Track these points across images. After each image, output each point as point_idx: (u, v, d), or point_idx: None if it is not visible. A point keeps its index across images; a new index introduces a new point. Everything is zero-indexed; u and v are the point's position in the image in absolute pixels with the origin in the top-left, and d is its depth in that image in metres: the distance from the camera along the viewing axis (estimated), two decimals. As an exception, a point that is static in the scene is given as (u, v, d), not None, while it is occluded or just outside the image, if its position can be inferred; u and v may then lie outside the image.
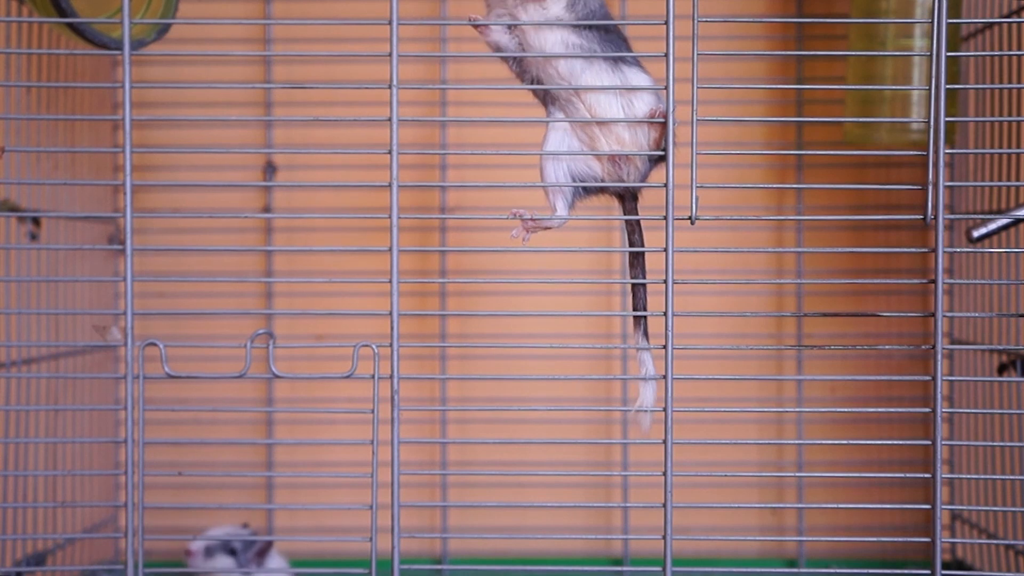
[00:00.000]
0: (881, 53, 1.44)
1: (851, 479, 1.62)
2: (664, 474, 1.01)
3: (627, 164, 1.11)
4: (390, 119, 1.00)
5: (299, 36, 1.60)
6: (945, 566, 1.28)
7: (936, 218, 1.00)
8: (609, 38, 1.12)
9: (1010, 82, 1.38)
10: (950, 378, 1.08)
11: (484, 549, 1.59)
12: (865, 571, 1.12)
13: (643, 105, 1.09)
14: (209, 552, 1.43)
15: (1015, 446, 1.33)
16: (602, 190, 1.14)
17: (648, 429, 1.08)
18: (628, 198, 1.15)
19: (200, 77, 1.58)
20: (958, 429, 1.53)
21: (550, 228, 1.13)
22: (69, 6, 1.13)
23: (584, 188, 1.12)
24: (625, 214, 1.14)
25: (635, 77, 1.10)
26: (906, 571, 1.04)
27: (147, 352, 1.01)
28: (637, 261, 1.14)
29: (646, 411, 1.09)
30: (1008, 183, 1.37)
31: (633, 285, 1.14)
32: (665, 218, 1.00)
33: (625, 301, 1.61)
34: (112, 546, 1.61)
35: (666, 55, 0.99)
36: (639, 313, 1.13)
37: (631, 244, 1.15)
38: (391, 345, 1.02)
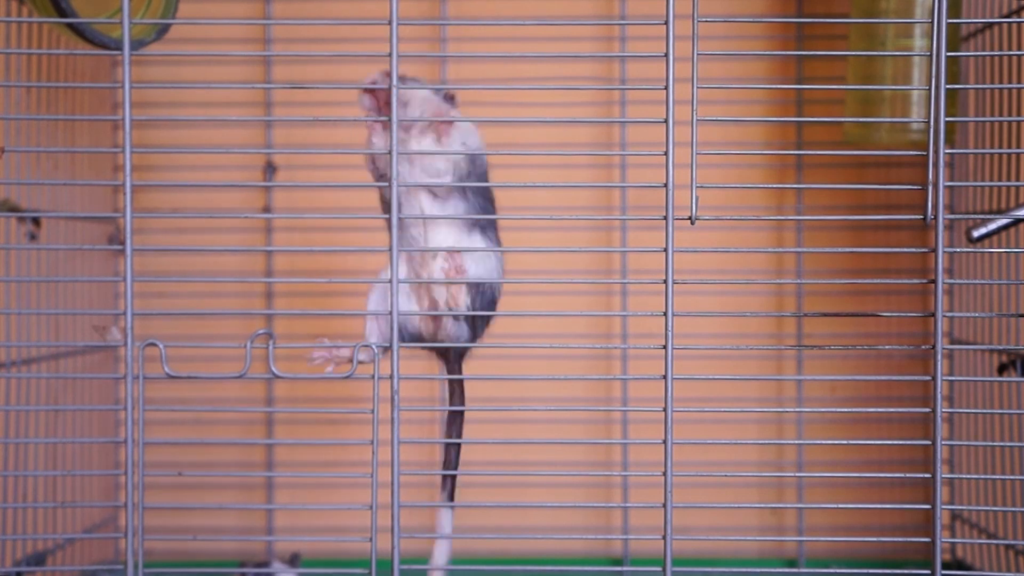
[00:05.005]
0: (881, 53, 1.44)
1: (851, 479, 1.62)
2: (664, 474, 1.01)
3: (441, 323, 1.16)
4: (390, 119, 1.00)
5: (299, 36, 1.60)
6: (945, 566, 1.28)
7: (936, 218, 1.00)
8: (474, 202, 1.16)
9: (1010, 82, 1.38)
10: (950, 378, 1.08)
11: (484, 549, 1.59)
12: (865, 571, 1.12)
13: (442, 263, 1.14)
14: None
15: (1015, 446, 1.33)
16: (416, 339, 1.16)
17: None
18: (451, 357, 1.19)
19: (200, 77, 1.58)
20: (958, 429, 1.53)
21: (348, 364, 1.12)
22: (69, 6, 1.13)
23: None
24: (448, 372, 1.19)
25: (475, 241, 1.15)
26: (906, 571, 1.04)
27: (147, 352, 1.01)
28: (455, 422, 1.20)
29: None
30: (1008, 183, 1.37)
31: (446, 446, 1.18)
32: (665, 218, 1.00)
33: (625, 301, 1.61)
34: (112, 546, 1.61)
35: (666, 55, 0.98)
36: (448, 472, 1.18)
37: (451, 403, 1.20)
38: (391, 345, 1.02)
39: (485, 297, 1.16)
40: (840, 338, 1.59)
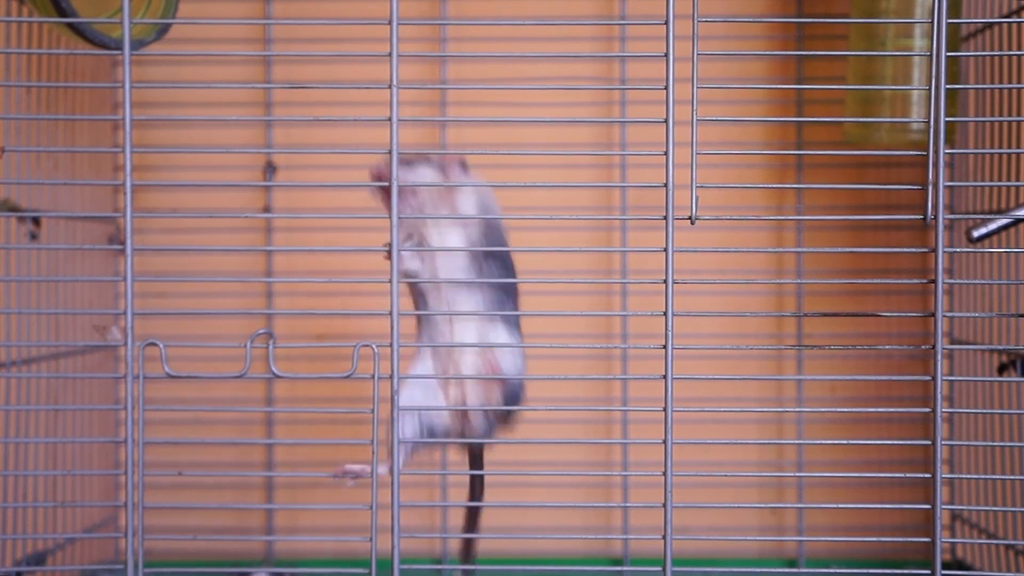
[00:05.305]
0: (881, 53, 1.44)
1: (851, 479, 1.62)
2: (664, 474, 1.01)
3: (469, 419, 1.16)
4: (390, 119, 1.00)
5: (299, 36, 1.60)
6: (945, 566, 1.28)
7: (936, 218, 1.00)
8: (499, 283, 1.15)
9: (1010, 82, 1.38)
10: (950, 378, 1.08)
11: (484, 549, 1.59)
12: (865, 571, 1.12)
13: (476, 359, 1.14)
14: None
15: (1015, 446, 1.33)
16: (445, 435, 1.16)
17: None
18: (476, 451, 1.20)
19: (200, 77, 1.58)
20: (958, 429, 1.53)
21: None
22: (69, 6, 1.13)
23: (430, 435, 1.13)
24: (470, 467, 1.19)
25: (499, 335, 1.14)
26: (906, 571, 1.04)
27: (147, 352, 1.01)
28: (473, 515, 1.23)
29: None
30: (1008, 183, 1.37)
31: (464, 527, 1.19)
32: (665, 218, 1.00)
33: (625, 301, 1.61)
34: (112, 546, 1.61)
35: (666, 55, 0.98)
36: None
37: (471, 495, 1.21)
38: (391, 345, 1.02)
39: (514, 390, 1.17)
40: (840, 338, 1.59)
